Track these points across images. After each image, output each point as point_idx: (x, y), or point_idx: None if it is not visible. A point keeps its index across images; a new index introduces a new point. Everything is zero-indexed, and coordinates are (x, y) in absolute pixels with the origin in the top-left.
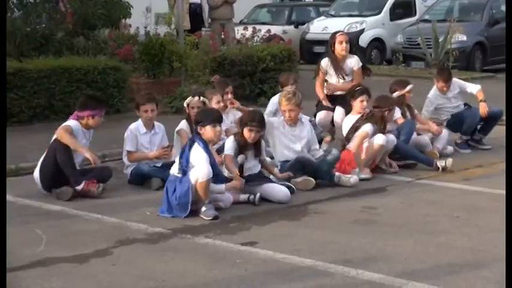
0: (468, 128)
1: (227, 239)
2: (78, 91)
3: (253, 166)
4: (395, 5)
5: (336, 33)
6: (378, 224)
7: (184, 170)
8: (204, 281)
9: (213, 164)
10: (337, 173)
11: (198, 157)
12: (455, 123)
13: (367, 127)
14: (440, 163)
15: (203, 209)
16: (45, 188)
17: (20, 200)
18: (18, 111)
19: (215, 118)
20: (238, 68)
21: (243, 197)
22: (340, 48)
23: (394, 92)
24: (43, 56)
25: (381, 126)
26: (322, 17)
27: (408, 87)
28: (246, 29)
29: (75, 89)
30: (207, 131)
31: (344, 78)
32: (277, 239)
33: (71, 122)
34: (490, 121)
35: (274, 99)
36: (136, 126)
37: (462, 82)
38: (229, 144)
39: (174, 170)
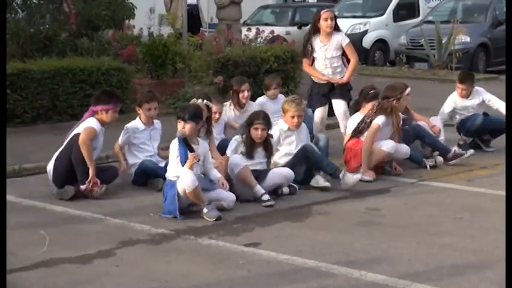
0: (467, 130)
1: (230, 240)
2: (81, 92)
3: (260, 166)
4: (398, 6)
5: (319, 11)
6: (382, 225)
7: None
8: (207, 282)
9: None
10: (343, 171)
11: (171, 151)
12: (459, 128)
13: (379, 119)
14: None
15: (205, 210)
16: (55, 183)
17: (24, 200)
18: (21, 112)
19: (196, 115)
20: (242, 69)
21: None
22: (325, 25)
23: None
24: (47, 56)
25: (393, 117)
26: None
27: (407, 91)
28: (249, 30)
29: (79, 90)
30: (186, 126)
31: (331, 56)
32: (280, 240)
33: (93, 123)
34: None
35: (260, 100)
36: (134, 125)
37: (489, 96)
38: (233, 145)
39: (168, 173)
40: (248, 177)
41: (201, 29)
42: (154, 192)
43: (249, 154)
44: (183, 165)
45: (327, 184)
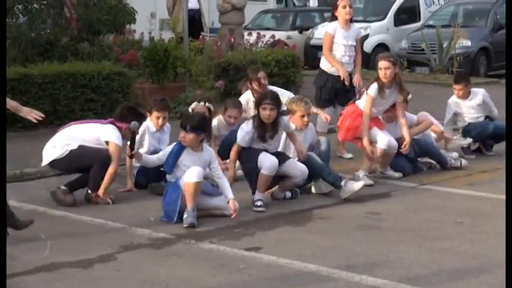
0: (477, 135)
1: (231, 245)
2: (82, 96)
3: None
4: (399, 11)
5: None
6: (382, 230)
7: (169, 171)
8: (208, 286)
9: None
10: (344, 180)
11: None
12: (469, 131)
13: (372, 89)
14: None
15: (184, 215)
16: (51, 164)
17: (25, 205)
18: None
19: (201, 128)
20: (243, 73)
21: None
22: (344, 12)
23: None
24: (48, 61)
25: (392, 83)
26: (327, 23)
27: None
28: (250, 34)
29: (80, 95)
30: (187, 137)
31: (351, 44)
32: (281, 244)
33: (117, 137)
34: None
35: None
36: (146, 125)
37: (489, 99)
38: (246, 134)
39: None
40: (263, 183)
41: (202, 33)
42: (154, 196)
43: (261, 137)
44: (166, 170)
45: (331, 189)
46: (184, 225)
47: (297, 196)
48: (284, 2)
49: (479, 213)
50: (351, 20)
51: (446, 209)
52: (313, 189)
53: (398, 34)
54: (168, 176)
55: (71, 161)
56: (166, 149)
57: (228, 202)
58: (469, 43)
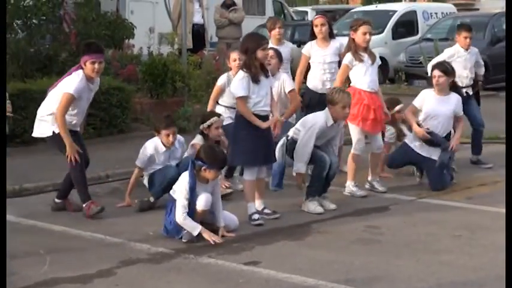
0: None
1: (230, 259)
2: None
3: (265, 94)
4: (397, 24)
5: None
6: (381, 244)
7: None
8: None
9: (190, 201)
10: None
11: (179, 184)
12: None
13: (347, 57)
14: None
15: (184, 230)
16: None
17: (24, 220)
18: (21, 132)
19: (223, 163)
20: None
21: None
22: (317, 30)
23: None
24: (47, 76)
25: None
26: None
27: (398, 107)
28: None
29: None
30: (211, 174)
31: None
32: (280, 258)
33: (74, 83)
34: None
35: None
36: (155, 145)
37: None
38: (241, 84)
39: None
40: (248, 191)
41: (204, 49)
42: (153, 211)
43: (256, 81)
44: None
45: (333, 206)
46: (184, 240)
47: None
48: (282, 16)
49: (477, 227)
50: (333, 36)
51: (444, 223)
52: (303, 207)
53: (397, 47)
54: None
55: (55, 145)
56: (182, 186)
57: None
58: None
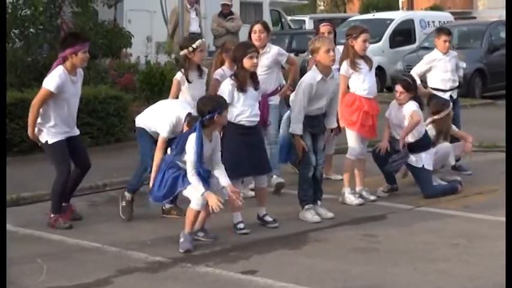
0: None
1: (227, 268)
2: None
3: (254, 104)
4: (395, 33)
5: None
6: (378, 252)
7: (177, 155)
8: None
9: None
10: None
11: (188, 144)
12: None
13: (343, 67)
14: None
15: (181, 239)
16: None
17: (21, 229)
18: (19, 141)
19: (226, 104)
20: None
21: None
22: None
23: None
24: None
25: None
26: None
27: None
28: None
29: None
30: (222, 118)
31: None
32: (277, 267)
33: (54, 80)
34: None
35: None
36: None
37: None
38: (225, 90)
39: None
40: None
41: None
42: (150, 220)
43: (242, 90)
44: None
45: (331, 215)
46: (181, 251)
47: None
48: (280, 24)
49: (475, 235)
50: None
51: (442, 231)
52: (300, 216)
53: (394, 56)
54: (174, 157)
55: (47, 154)
56: (190, 146)
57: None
58: (464, 65)
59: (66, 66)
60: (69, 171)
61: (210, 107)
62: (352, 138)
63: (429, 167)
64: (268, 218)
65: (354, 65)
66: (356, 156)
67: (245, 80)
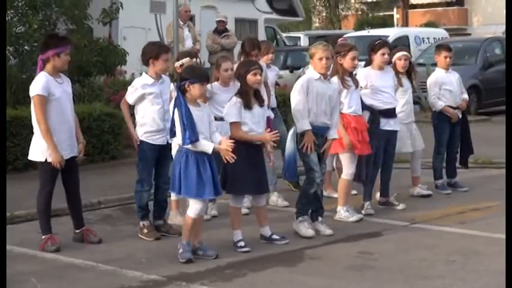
0: None
1: (222, 286)
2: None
3: (260, 121)
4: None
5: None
6: (374, 269)
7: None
8: None
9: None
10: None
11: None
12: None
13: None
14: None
15: (180, 250)
16: None
17: (16, 248)
18: (13, 159)
19: (204, 76)
20: None
21: None
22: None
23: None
24: None
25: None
26: None
27: (399, 54)
28: None
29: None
30: (195, 89)
31: None
32: (272, 285)
33: (39, 83)
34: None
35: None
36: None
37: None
38: (232, 109)
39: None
40: (234, 218)
41: None
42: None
43: (248, 107)
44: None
45: (329, 232)
46: (182, 261)
47: (285, 239)
48: (275, 41)
49: (471, 252)
50: None
51: (438, 248)
52: (294, 226)
53: None
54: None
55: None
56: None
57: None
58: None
59: (48, 70)
60: (50, 192)
61: (186, 75)
62: (346, 158)
63: None
64: (276, 236)
65: (343, 82)
66: (351, 175)
67: (249, 97)
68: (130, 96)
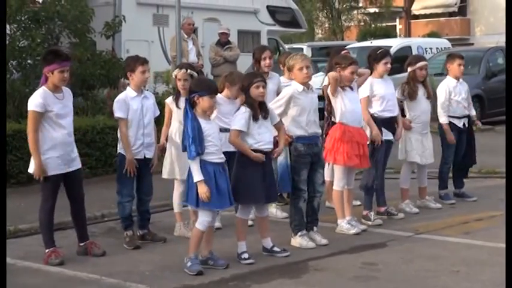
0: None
1: None
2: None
3: (266, 132)
4: (392, 60)
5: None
6: (378, 280)
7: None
8: None
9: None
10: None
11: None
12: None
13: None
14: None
15: (188, 264)
16: None
17: (19, 262)
18: (17, 173)
19: (213, 88)
20: None
21: None
22: None
23: (408, 66)
24: None
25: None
26: (320, 73)
27: (420, 64)
28: None
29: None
30: (205, 102)
31: None
32: None
33: (35, 100)
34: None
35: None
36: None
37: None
38: (242, 119)
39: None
40: (240, 229)
41: None
42: (150, 250)
43: (256, 119)
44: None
45: (325, 241)
46: (193, 274)
47: (286, 251)
48: (277, 52)
49: (475, 262)
50: None
51: (442, 258)
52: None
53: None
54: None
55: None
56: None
57: None
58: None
59: (48, 85)
60: (52, 207)
61: (195, 88)
62: (339, 171)
63: None
64: (277, 249)
65: (334, 90)
66: (342, 187)
67: (256, 109)
68: (119, 111)
